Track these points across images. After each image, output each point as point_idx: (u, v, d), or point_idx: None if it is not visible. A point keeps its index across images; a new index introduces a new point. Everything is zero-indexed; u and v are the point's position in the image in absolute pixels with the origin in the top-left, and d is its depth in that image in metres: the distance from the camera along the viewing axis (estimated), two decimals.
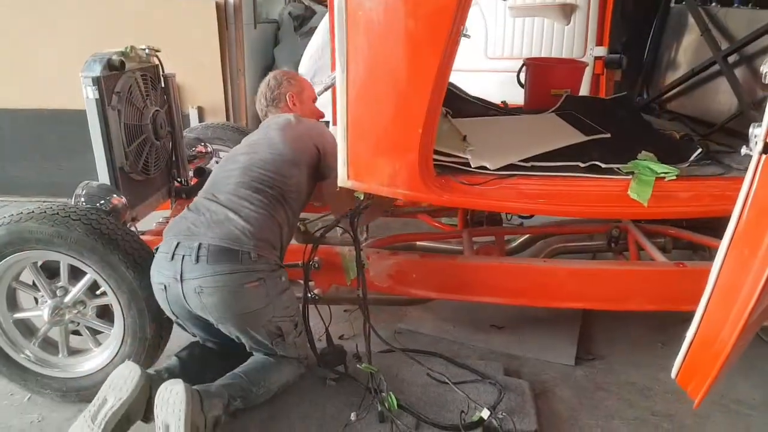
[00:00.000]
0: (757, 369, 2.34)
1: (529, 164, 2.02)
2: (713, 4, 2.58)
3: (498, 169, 1.97)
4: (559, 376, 2.29)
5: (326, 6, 5.19)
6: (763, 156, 1.06)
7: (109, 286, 1.86)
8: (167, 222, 2.61)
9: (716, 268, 1.21)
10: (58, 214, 1.82)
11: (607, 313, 2.67)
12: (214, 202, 1.92)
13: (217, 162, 3.26)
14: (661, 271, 2.13)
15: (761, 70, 1.10)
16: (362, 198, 2.06)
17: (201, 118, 4.05)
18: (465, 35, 1.84)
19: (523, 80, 2.79)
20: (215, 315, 1.79)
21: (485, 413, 1.88)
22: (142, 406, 1.68)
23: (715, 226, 2.46)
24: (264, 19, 4.65)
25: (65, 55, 3.46)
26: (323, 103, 3.56)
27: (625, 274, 2.16)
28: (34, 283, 1.99)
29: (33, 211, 1.83)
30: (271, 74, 2.44)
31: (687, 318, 1.45)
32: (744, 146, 1.31)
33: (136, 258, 1.87)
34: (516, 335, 2.53)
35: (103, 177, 2.35)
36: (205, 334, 1.97)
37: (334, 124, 3.05)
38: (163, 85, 2.71)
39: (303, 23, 5.13)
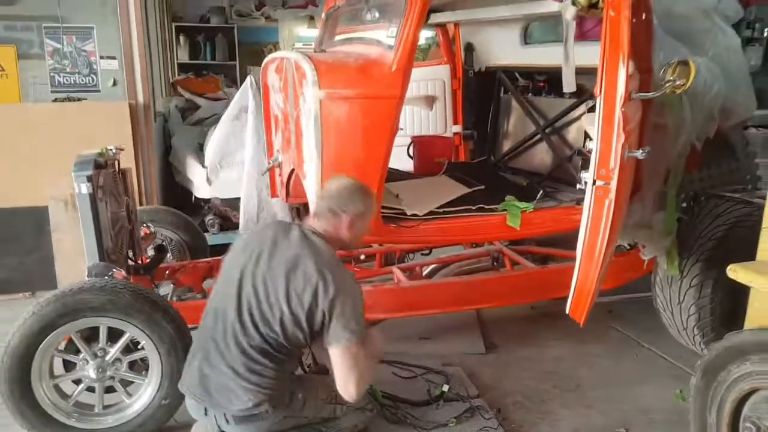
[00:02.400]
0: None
1: (441, 210, 2.91)
2: (530, 94, 3.82)
3: (425, 215, 2.82)
4: (477, 361, 3.15)
5: (208, 98, 5.84)
6: (594, 186, 2.06)
7: (151, 340, 2.30)
8: None
9: (581, 244, 2.18)
10: (105, 285, 2.25)
11: (494, 315, 3.64)
12: (224, 365, 2.04)
13: (162, 241, 3.68)
14: (532, 273, 3.15)
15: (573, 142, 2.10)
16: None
17: None
18: (400, 128, 2.69)
19: (411, 153, 3.75)
20: None
21: (445, 387, 2.65)
22: None
23: (556, 242, 3.59)
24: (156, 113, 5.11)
25: None
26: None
27: (511, 279, 3.15)
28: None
29: (82, 287, 2.23)
30: (353, 183, 2.24)
31: (558, 303, 2.37)
32: (578, 185, 2.33)
33: (171, 312, 2.35)
34: (439, 341, 3.35)
35: (92, 259, 2.73)
36: None
37: (272, 196, 3.72)
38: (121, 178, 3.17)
39: (185, 114, 5.66)
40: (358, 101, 2.48)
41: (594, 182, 2.09)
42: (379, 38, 2.78)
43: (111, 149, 3.01)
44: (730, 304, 2.87)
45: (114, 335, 2.35)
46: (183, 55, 7.57)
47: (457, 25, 3.97)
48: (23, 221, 3.91)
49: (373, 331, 2.47)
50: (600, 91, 2.07)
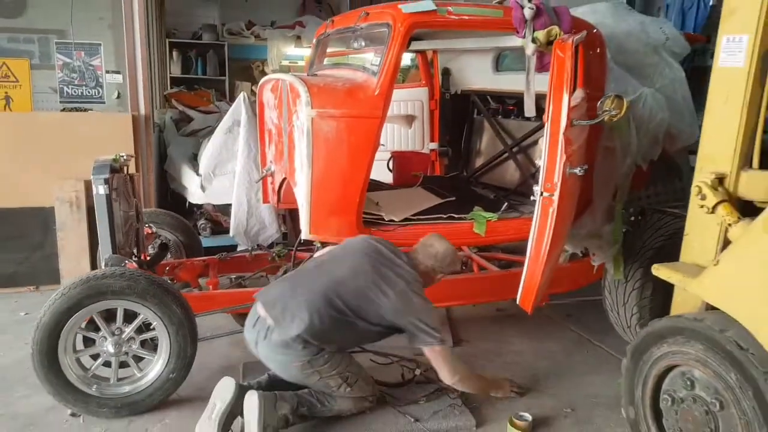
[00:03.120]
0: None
1: (416, 217, 3.30)
2: (500, 116, 4.27)
3: (401, 221, 3.21)
4: None
5: (200, 111, 6.19)
6: (542, 196, 2.48)
7: (162, 321, 2.63)
8: None
9: (530, 246, 2.58)
10: (124, 273, 2.59)
11: (463, 314, 4.04)
12: (306, 295, 2.52)
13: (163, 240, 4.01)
14: (497, 275, 3.55)
15: (536, 160, 2.52)
16: None
17: None
18: (381, 144, 3.08)
19: (391, 166, 4.16)
20: (277, 372, 2.60)
21: (417, 371, 3.02)
22: (239, 406, 2.45)
23: (520, 250, 4.00)
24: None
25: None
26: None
27: (477, 280, 3.53)
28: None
29: (105, 273, 2.57)
30: (454, 251, 2.84)
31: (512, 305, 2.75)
32: (532, 196, 2.74)
33: (180, 298, 2.69)
34: None
35: (106, 252, 3.06)
36: None
37: (264, 202, 4.07)
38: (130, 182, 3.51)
39: (179, 125, 5.99)
40: (345, 120, 2.86)
41: (541, 193, 2.50)
42: (365, 64, 3.18)
43: (123, 156, 3.35)
44: (666, 304, 3.30)
45: (128, 317, 2.68)
46: (175, 70, 7.91)
47: (435, 51, 4.41)
48: (31, 220, 4.23)
49: (503, 378, 3.08)
50: (547, 118, 2.50)
